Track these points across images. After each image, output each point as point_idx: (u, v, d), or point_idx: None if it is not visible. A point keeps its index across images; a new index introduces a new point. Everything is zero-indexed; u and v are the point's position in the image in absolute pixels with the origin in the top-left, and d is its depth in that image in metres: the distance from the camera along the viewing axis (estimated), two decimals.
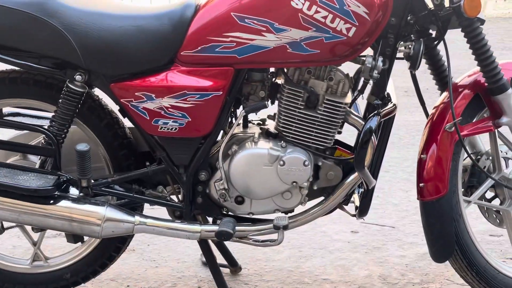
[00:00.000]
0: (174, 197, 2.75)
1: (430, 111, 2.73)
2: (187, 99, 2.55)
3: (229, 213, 2.72)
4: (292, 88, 2.59)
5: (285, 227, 2.61)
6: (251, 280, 3.09)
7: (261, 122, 2.74)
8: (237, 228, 2.65)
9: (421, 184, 2.61)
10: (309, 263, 3.22)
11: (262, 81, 2.64)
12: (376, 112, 2.50)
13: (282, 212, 2.73)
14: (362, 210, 2.69)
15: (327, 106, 2.59)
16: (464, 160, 2.71)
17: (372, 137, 2.57)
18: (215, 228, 2.63)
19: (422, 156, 2.62)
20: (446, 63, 2.66)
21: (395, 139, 4.56)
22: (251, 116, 2.74)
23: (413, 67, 2.61)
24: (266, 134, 2.66)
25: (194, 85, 2.55)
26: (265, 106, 2.59)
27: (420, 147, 2.65)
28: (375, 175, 2.64)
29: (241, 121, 2.72)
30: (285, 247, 3.33)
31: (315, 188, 2.70)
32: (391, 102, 2.62)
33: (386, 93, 2.66)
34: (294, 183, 2.62)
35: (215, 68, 2.55)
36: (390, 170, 4.18)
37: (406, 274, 3.10)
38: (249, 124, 2.74)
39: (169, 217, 2.75)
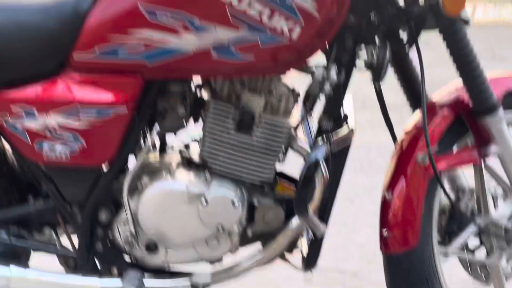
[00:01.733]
0: (68, 242, 2.14)
1: (400, 134, 2.14)
2: (80, 117, 1.95)
3: (139, 263, 2.12)
4: (219, 105, 2.00)
5: (206, 286, 2.00)
6: None
7: (184, 148, 2.15)
8: (146, 284, 2.05)
9: (384, 232, 2.02)
10: None
11: (182, 95, 2.05)
12: (325, 139, 1.91)
13: (208, 262, 2.14)
14: (310, 262, 2.09)
15: (265, 128, 2.00)
16: (441, 200, 2.12)
17: (323, 170, 1.98)
18: (119, 284, 2.03)
19: (387, 194, 2.03)
20: (420, 75, 2.07)
21: (364, 163, 3.93)
22: (173, 141, 2.14)
23: (377, 78, 2.02)
24: (187, 164, 2.06)
25: (90, 98, 1.95)
26: (183, 126, 1.99)
27: (385, 181, 2.06)
28: (325, 218, 2.04)
29: (157, 147, 2.12)
30: None
31: (249, 233, 2.10)
32: (347, 125, 2.02)
33: (342, 113, 2.07)
34: (220, 228, 2.02)
35: (117, 77, 1.95)
36: (356, 201, 3.53)
37: None
38: (169, 150, 2.14)
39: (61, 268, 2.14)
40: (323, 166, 1.98)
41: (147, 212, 2.02)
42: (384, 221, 2.02)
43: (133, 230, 2.03)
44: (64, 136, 1.96)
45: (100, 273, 2.10)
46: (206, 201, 2.00)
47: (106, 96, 1.95)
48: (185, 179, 2.02)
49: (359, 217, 3.38)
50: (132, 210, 2.02)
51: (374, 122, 2.64)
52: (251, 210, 2.08)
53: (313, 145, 2.00)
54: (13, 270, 2.03)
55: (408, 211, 1.99)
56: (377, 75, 2.01)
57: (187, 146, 2.14)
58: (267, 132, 2.01)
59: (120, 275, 2.09)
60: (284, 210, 2.08)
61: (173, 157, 2.09)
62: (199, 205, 2.00)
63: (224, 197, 2.00)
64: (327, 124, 1.94)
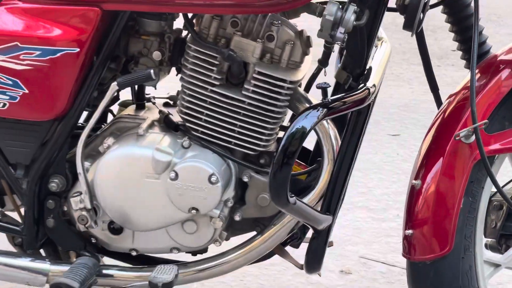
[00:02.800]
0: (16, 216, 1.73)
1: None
2: (21, 57, 1.52)
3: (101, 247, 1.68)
4: (201, 50, 1.53)
5: (168, 286, 1.53)
6: None
7: (169, 101, 1.70)
8: (101, 272, 1.62)
9: (408, 232, 1.50)
10: None
11: (160, 36, 1.59)
12: (321, 102, 1.41)
13: (187, 252, 1.68)
14: (310, 263, 1.60)
15: (260, 84, 1.52)
16: (492, 193, 1.58)
17: (332, 143, 1.49)
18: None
19: (415, 182, 1.51)
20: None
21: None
22: (153, 91, 1.69)
23: (410, 25, 1.49)
24: (164, 124, 1.61)
25: (33, 34, 1.52)
26: (151, 78, 1.52)
27: (414, 166, 1.54)
28: (331, 209, 1.54)
29: (129, 99, 1.68)
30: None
31: (237, 218, 1.63)
32: (365, 85, 1.51)
33: (366, 66, 1.57)
34: (194, 211, 1.56)
35: (69, 7, 1.51)
36: None
37: None
38: (148, 104, 1.69)
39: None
40: (332, 141, 1.50)
41: (104, 183, 1.59)
42: (409, 217, 1.51)
43: (88, 205, 1.59)
44: (2, 80, 1.54)
45: (50, 255, 1.68)
46: (176, 174, 1.54)
47: (54, 31, 1.51)
48: (153, 143, 1.57)
49: None
50: (87, 179, 1.58)
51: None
52: (242, 189, 1.62)
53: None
54: None
55: (441, 205, 1.47)
56: (410, 22, 1.48)
57: (173, 99, 1.69)
58: (262, 89, 1.53)
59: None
60: None
61: (150, 114, 1.64)
62: (167, 179, 1.54)
63: (199, 170, 1.53)
64: (325, 83, 1.44)
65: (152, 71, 1.52)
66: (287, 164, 1.36)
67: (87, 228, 1.63)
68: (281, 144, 1.36)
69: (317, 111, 1.38)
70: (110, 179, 1.58)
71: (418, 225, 1.49)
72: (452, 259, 1.48)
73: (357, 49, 1.55)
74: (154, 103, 1.69)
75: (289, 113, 1.61)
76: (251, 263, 1.66)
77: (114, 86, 1.53)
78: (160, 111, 1.63)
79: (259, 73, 1.52)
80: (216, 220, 1.58)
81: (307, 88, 1.71)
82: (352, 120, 1.51)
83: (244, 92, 1.54)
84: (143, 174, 1.56)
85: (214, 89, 1.54)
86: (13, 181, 1.64)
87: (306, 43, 1.55)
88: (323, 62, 1.64)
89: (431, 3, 1.53)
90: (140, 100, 1.69)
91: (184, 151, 1.56)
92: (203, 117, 1.56)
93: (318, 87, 1.40)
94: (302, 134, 1.36)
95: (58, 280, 1.53)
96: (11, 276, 1.65)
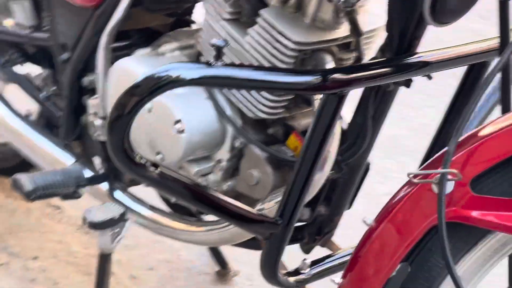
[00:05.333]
0: None
1: None
2: None
3: None
4: None
5: (95, 225, 1.30)
6: None
7: None
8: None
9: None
10: None
11: None
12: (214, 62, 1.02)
13: None
14: (265, 266, 1.23)
15: (262, 33, 1.20)
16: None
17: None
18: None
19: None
20: None
21: None
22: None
23: None
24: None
25: None
26: None
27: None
28: (286, 211, 1.15)
29: None
30: None
31: (225, 188, 1.32)
32: None
33: None
34: (160, 156, 1.30)
35: None
36: None
37: None
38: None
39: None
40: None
41: (110, 91, 1.39)
42: (352, 258, 1.06)
43: (101, 111, 1.42)
44: None
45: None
46: (151, 107, 1.28)
47: None
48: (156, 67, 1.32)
49: None
50: (104, 83, 1.40)
51: None
52: (236, 157, 1.30)
53: None
54: None
55: (376, 262, 1.00)
56: None
57: None
58: (264, 40, 1.18)
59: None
60: (279, 176, 1.25)
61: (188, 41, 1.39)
62: (147, 107, 1.29)
63: (167, 111, 1.26)
64: None
65: None
66: (118, 127, 1.00)
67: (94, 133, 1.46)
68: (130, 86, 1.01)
69: (204, 69, 1.00)
70: (114, 88, 1.38)
71: (347, 274, 1.04)
72: None
73: None
74: None
75: None
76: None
77: None
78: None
79: (265, 20, 1.17)
80: (195, 177, 1.30)
81: None
82: (318, 112, 1.08)
83: (246, 38, 1.20)
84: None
85: (221, 23, 1.23)
86: (58, 64, 1.52)
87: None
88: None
89: None
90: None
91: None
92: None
93: (211, 44, 1.01)
94: (163, 83, 0.98)
95: (17, 175, 1.40)
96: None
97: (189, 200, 1.10)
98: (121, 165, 1.03)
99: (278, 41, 1.17)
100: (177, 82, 0.99)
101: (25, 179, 1.39)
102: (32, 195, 1.38)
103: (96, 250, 1.44)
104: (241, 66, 1.11)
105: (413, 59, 1.11)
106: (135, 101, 0.99)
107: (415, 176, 0.97)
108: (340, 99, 1.06)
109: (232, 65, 1.08)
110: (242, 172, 1.30)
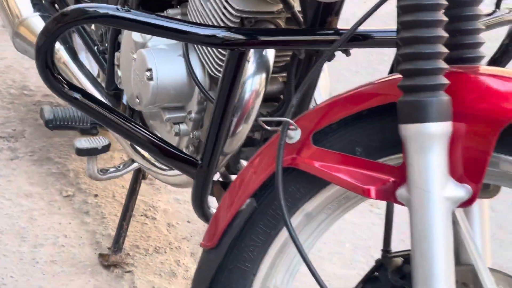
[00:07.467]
0: None
1: None
2: None
3: None
4: None
5: (81, 151, 1.52)
6: None
7: None
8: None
9: None
10: None
11: None
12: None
13: None
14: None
15: None
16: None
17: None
18: None
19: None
20: None
21: None
22: None
23: None
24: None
25: None
26: None
27: None
28: (205, 154, 1.31)
29: None
30: None
31: (191, 135, 1.49)
32: None
33: None
34: (137, 99, 1.50)
35: None
36: None
37: None
38: None
39: None
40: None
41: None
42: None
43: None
44: None
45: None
46: (134, 58, 1.49)
47: None
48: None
49: None
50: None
51: None
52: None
53: None
54: None
55: (230, 196, 1.14)
56: None
57: None
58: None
59: None
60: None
61: None
62: (133, 56, 1.50)
63: (142, 60, 1.44)
64: None
65: None
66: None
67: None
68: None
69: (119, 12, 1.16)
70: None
71: (221, 204, 1.18)
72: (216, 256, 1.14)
73: None
74: None
75: None
76: None
77: None
78: None
79: None
80: (168, 123, 1.49)
81: None
82: (224, 66, 1.22)
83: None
84: (130, 48, 1.54)
85: None
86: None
87: None
88: None
89: None
90: None
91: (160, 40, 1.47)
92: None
93: None
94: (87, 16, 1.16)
95: (43, 106, 1.66)
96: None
97: (107, 124, 1.29)
98: (44, 82, 1.24)
99: (224, 7, 1.32)
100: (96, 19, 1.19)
101: (48, 110, 1.64)
102: (50, 124, 1.63)
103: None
104: (148, 13, 1.23)
105: (316, 31, 1.22)
106: (58, 26, 1.19)
107: (266, 122, 1.10)
108: (241, 55, 1.20)
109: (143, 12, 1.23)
110: (205, 124, 1.47)
